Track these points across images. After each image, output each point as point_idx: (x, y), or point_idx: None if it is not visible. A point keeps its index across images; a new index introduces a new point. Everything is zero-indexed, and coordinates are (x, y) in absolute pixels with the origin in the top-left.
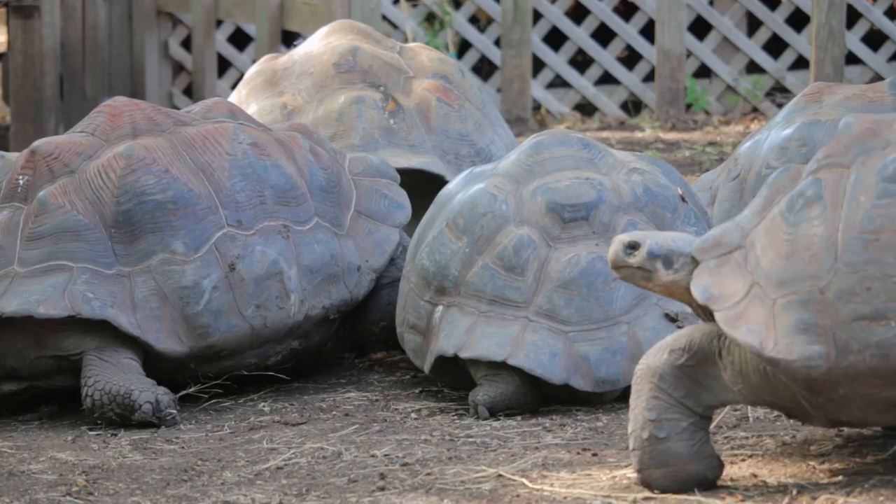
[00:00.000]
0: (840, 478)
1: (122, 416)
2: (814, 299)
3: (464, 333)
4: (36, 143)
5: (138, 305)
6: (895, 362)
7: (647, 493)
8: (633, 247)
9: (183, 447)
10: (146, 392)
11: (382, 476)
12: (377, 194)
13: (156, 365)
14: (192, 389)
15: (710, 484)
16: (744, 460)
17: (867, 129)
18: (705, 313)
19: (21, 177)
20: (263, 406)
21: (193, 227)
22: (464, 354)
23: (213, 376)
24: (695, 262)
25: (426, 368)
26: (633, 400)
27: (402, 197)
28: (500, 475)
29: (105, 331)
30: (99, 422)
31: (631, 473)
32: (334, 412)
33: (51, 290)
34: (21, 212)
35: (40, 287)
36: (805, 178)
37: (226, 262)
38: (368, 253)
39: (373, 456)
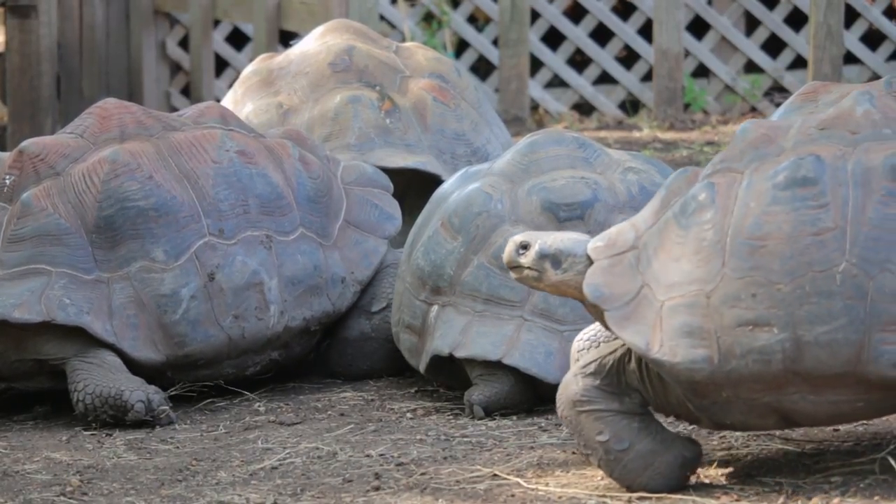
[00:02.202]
0: (836, 478)
1: (115, 418)
2: (700, 303)
3: (459, 333)
4: (24, 144)
5: (115, 312)
6: (777, 368)
7: (642, 493)
8: (524, 247)
9: (178, 447)
10: (137, 391)
11: (377, 476)
12: (368, 204)
13: (132, 372)
14: (173, 390)
15: (694, 463)
16: (739, 460)
17: (763, 134)
18: (597, 312)
19: (7, 177)
20: (259, 406)
21: (174, 235)
22: (459, 354)
23: (191, 383)
24: (590, 262)
25: (421, 368)
26: (577, 436)
27: (394, 207)
28: (495, 475)
29: (84, 336)
30: (93, 423)
31: None
32: (329, 412)
33: (27, 294)
34: (5, 212)
35: (17, 290)
36: (700, 181)
37: (205, 271)
38: (354, 265)
39: (368, 456)
